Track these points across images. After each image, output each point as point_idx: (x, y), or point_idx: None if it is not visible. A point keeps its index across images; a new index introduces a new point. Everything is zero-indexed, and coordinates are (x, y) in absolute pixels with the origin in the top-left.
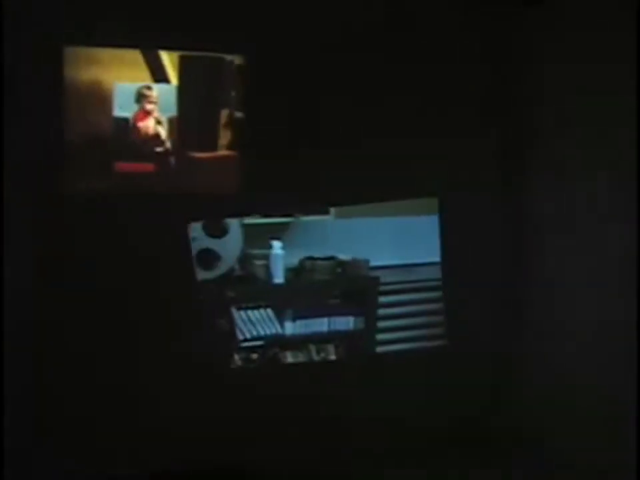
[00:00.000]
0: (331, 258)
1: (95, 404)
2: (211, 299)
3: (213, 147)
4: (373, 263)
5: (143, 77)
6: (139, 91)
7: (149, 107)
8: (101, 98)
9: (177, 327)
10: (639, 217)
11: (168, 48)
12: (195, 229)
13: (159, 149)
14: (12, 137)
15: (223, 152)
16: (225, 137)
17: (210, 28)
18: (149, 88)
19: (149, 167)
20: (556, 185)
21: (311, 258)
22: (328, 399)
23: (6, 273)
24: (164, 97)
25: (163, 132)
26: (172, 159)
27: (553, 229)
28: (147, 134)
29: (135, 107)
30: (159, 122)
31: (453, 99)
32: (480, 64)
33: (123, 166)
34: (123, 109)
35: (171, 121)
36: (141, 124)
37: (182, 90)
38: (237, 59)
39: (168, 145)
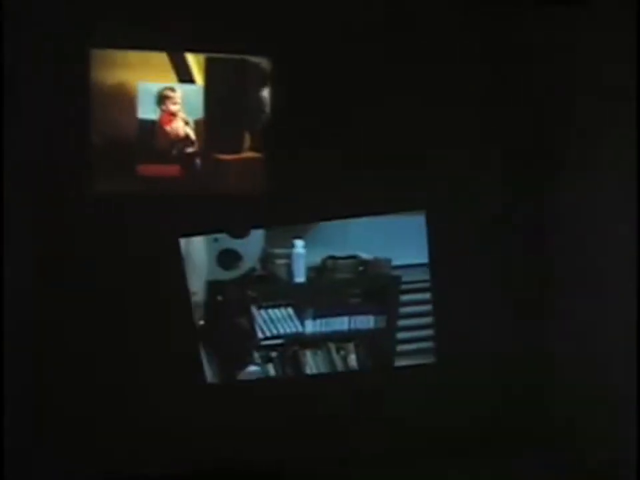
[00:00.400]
0: (353, 257)
1: (95, 404)
2: (230, 299)
3: (237, 149)
4: (395, 262)
5: (167, 77)
6: (161, 92)
7: (173, 108)
8: (124, 100)
9: (181, 327)
10: (639, 217)
11: (192, 50)
12: None
13: (185, 151)
14: (12, 136)
15: (246, 155)
16: (249, 139)
17: (235, 30)
18: (172, 89)
19: (172, 169)
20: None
21: (332, 257)
22: (343, 399)
23: (6, 273)
24: (187, 98)
25: (191, 134)
26: (197, 161)
27: (568, 228)
28: (173, 136)
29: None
30: (186, 123)
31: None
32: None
33: (145, 169)
34: (146, 111)
35: (197, 123)
36: (167, 127)
37: (207, 92)
38: (262, 61)
39: (193, 147)
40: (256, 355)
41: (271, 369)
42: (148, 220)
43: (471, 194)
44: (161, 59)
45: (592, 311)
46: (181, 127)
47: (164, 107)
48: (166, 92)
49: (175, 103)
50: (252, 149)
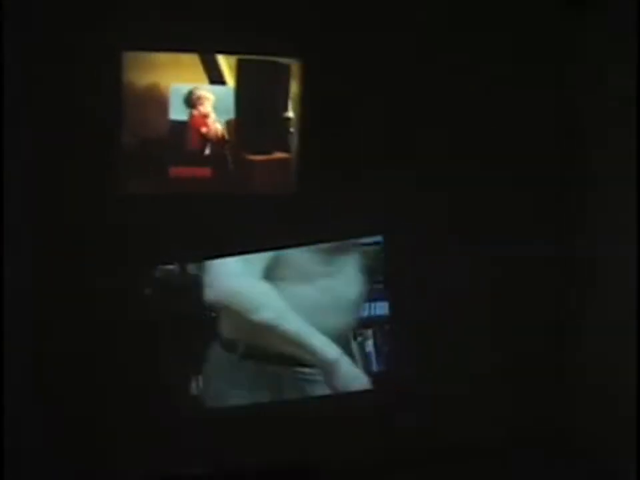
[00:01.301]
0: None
1: (96, 404)
2: None
3: (268, 150)
4: None
5: (198, 79)
6: (193, 94)
7: (205, 110)
8: (156, 101)
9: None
10: (639, 217)
11: (223, 52)
12: None
13: (217, 153)
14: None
15: (276, 155)
16: (279, 140)
17: (265, 32)
18: (204, 91)
19: (204, 171)
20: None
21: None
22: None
23: (6, 273)
24: (219, 99)
25: (224, 135)
26: (229, 163)
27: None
28: (205, 137)
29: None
30: (218, 124)
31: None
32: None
33: (177, 171)
34: (179, 112)
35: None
36: (200, 129)
37: (237, 93)
38: (292, 63)
39: (224, 149)
40: None
41: None
42: (174, 221)
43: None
44: (192, 60)
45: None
46: (214, 128)
47: (196, 109)
48: (198, 93)
49: (207, 105)
50: (282, 149)
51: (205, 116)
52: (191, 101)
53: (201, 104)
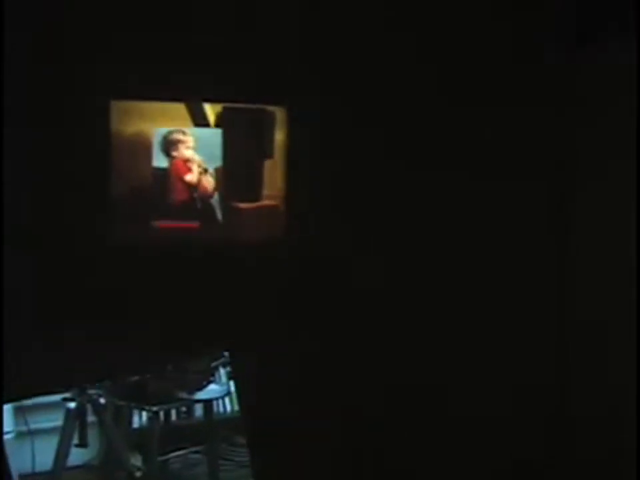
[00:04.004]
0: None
1: None
2: None
3: (255, 198)
4: None
5: (183, 123)
6: (171, 137)
7: (187, 153)
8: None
9: None
10: (639, 217)
11: (209, 100)
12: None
13: (203, 201)
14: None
15: (263, 203)
16: (266, 188)
17: (253, 80)
18: (183, 133)
19: (189, 222)
20: None
21: None
22: None
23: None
24: (204, 144)
25: (209, 182)
26: (216, 212)
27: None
28: (190, 186)
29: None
30: (205, 170)
31: None
32: None
33: (160, 223)
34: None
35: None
36: (183, 176)
37: (223, 140)
38: (278, 111)
39: (211, 197)
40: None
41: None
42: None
43: None
44: (178, 107)
45: None
46: (198, 175)
47: (176, 153)
48: (176, 136)
49: (187, 147)
50: (269, 197)
51: (187, 160)
52: (166, 145)
53: (179, 148)
